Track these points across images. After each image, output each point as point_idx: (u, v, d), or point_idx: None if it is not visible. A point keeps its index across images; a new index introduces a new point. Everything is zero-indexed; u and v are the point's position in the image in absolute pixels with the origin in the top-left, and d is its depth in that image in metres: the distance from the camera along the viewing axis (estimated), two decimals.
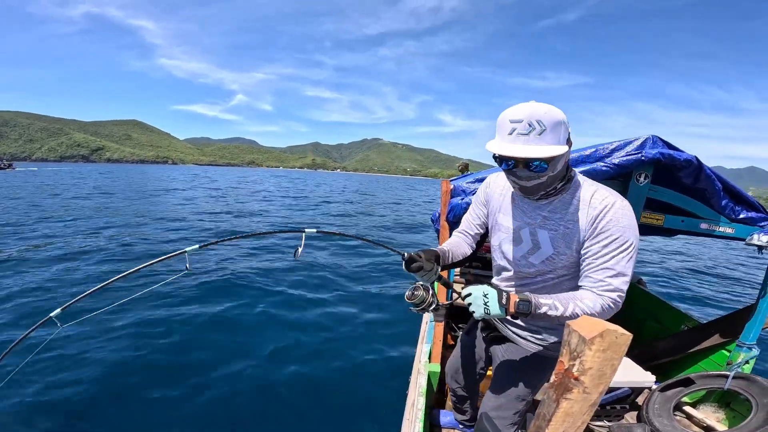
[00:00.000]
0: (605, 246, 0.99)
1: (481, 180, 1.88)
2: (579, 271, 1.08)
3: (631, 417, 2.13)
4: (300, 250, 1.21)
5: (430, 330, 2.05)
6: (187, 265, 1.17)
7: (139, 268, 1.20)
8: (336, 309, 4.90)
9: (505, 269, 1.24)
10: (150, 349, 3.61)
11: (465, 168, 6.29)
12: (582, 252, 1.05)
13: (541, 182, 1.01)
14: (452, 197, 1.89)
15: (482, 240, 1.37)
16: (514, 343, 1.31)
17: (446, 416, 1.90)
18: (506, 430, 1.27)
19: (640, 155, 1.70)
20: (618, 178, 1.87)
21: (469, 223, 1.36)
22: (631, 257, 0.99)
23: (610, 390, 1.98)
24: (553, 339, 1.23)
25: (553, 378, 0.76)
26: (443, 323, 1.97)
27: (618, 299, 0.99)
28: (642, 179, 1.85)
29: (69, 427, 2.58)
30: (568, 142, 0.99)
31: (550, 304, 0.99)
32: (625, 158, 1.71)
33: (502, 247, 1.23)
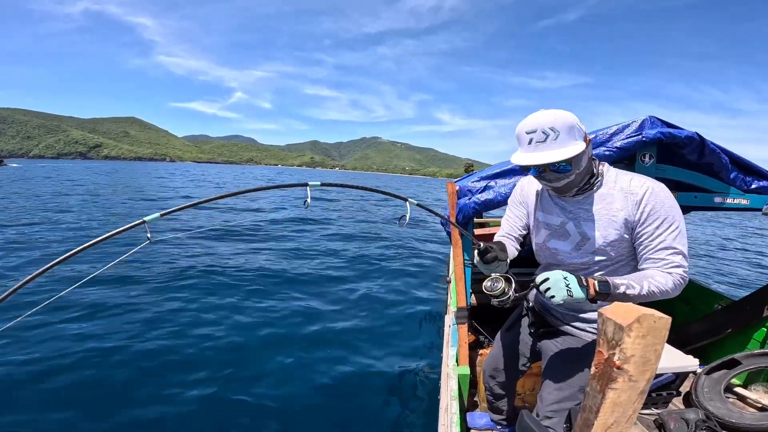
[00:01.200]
0: (657, 227, 1.04)
1: (487, 178, 1.90)
2: (631, 257, 1.13)
3: (678, 403, 2.04)
4: (308, 201, 1.17)
5: (453, 333, 2.02)
6: (148, 236, 1.04)
7: (91, 244, 0.98)
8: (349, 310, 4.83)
9: (555, 265, 1.24)
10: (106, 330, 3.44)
11: (470, 168, 6.37)
12: (636, 237, 1.08)
13: (570, 180, 1.08)
14: (459, 198, 1.90)
15: (525, 241, 1.38)
16: (567, 334, 1.29)
17: (482, 418, 1.86)
18: (558, 425, 1.23)
19: (640, 136, 1.72)
20: (623, 161, 1.87)
21: (511, 225, 1.37)
22: (682, 233, 1.04)
23: (654, 377, 1.92)
24: None
25: (593, 369, 0.75)
26: (466, 325, 1.95)
27: (684, 275, 1.03)
28: (647, 159, 1.85)
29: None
30: (585, 139, 1.05)
31: (626, 283, 1.01)
32: (626, 141, 1.72)
33: (549, 243, 1.25)
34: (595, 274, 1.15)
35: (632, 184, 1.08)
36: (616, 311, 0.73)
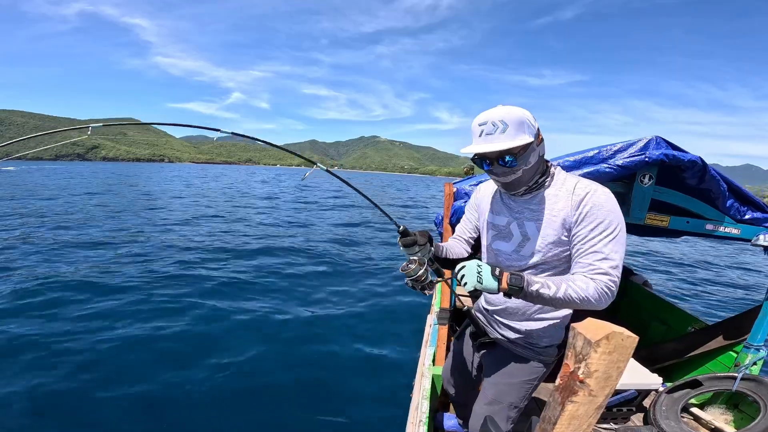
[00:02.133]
0: (591, 230, 1.01)
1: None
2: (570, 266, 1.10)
3: (637, 419, 2.12)
4: (307, 175, 1.39)
5: (434, 333, 2.05)
6: (89, 133, 1.20)
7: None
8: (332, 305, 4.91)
9: (497, 267, 1.26)
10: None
11: (470, 170, 6.29)
12: (571, 239, 1.07)
13: (517, 176, 1.08)
14: (455, 200, 1.89)
15: (477, 244, 1.39)
16: (503, 348, 1.30)
17: (450, 419, 1.90)
18: None
19: (643, 156, 1.70)
20: (622, 179, 1.86)
21: (463, 228, 1.42)
22: (617, 241, 1.00)
23: (617, 392, 1.97)
24: (544, 343, 1.22)
25: (558, 381, 0.77)
26: (447, 326, 1.98)
27: (610, 283, 0.98)
28: (646, 180, 1.84)
29: None
30: (537, 137, 1.06)
31: (543, 282, 0.99)
32: (628, 160, 1.71)
33: (493, 245, 1.26)
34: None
35: (577, 186, 1.07)
36: (587, 326, 0.74)
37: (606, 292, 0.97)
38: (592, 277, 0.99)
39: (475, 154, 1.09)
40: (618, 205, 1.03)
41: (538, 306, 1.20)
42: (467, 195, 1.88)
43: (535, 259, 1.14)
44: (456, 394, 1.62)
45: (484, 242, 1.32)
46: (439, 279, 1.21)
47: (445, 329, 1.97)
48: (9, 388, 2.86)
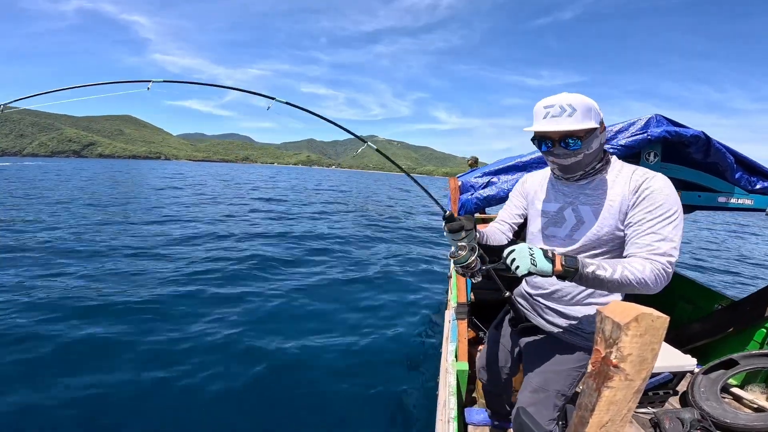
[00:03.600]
0: (650, 212, 1.00)
1: (490, 174, 1.90)
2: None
3: (675, 402, 2.05)
4: (270, 107, 1.34)
5: (453, 328, 2.03)
6: (148, 88, 1.24)
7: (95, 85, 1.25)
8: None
9: (549, 249, 1.24)
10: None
11: (474, 163, 6.29)
12: (627, 223, 1.05)
13: (578, 160, 1.08)
14: (462, 193, 1.89)
15: (520, 230, 1.38)
16: (547, 334, 1.26)
17: (479, 414, 1.87)
18: (546, 425, 1.22)
19: (646, 135, 1.70)
20: (626, 159, 1.86)
21: (509, 213, 1.40)
22: (676, 225, 0.98)
23: (651, 376, 1.92)
24: (591, 329, 1.18)
25: (590, 367, 0.75)
26: (466, 321, 1.95)
27: (668, 265, 0.94)
28: (651, 158, 1.83)
29: None
30: (601, 125, 1.07)
31: (598, 264, 0.96)
32: (631, 139, 1.71)
33: (545, 231, 1.24)
34: None
35: (635, 173, 1.07)
36: (614, 309, 0.72)
37: (662, 274, 0.94)
38: (649, 257, 0.96)
39: (536, 134, 1.10)
40: (676, 192, 1.02)
41: (589, 290, 1.17)
42: (473, 187, 1.88)
43: (589, 243, 1.12)
44: (491, 385, 1.59)
45: (534, 229, 1.29)
46: (491, 265, 1.15)
47: (464, 324, 1.94)
48: None
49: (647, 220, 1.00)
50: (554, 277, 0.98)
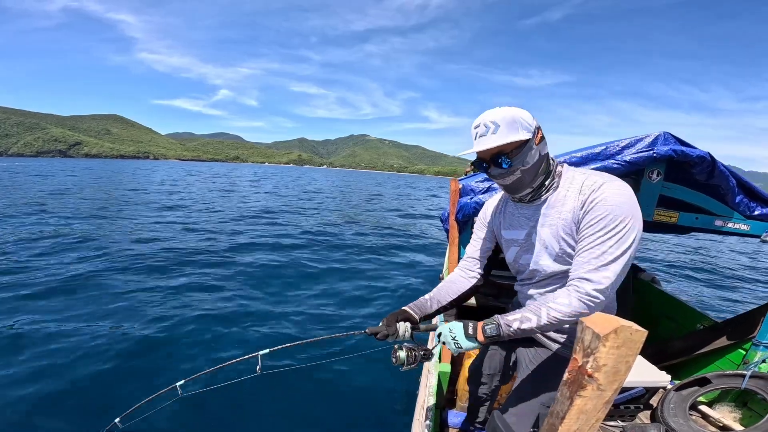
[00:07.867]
0: (591, 226, 0.96)
1: (491, 179, 1.88)
2: None
3: (645, 417, 2.10)
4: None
5: None
6: (258, 368, 1.26)
7: (214, 370, 1.30)
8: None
9: (527, 278, 1.23)
10: None
11: (470, 170, 6.25)
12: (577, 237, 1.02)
13: (517, 177, 1.05)
14: (461, 196, 1.89)
15: (494, 258, 1.35)
16: (541, 345, 1.26)
17: (457, 417, 1.89)
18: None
19: (651, 152, 1.69)
20: (630, 175, 1.85)
21: (476, 247, 1.35)
22: (620, 238, 0.92)
23: (624, 389, 1.97)
24: None
25: (566, 375, 0.77)
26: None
27: (598, 286, 0.92)
28: (654, 176, 1.83)
29: None
30: (536, 135, 1.03)
31: (519, 317, 0.97)
32: (636, 155, 1.70)
33: (519, 260, 1.22)
34: (563, 284, 1.11)
35: (584, 184, 1.01)
36: (596, 320, 0.73)
37: (593, 299, 0.93)
38: (574, 285, 0.95)
39: (476, 158, 1.08)
40: (629, 198, 0.95)
41: None
42: (473, 191, 1.87)
43: (560, 265, 1.08)
44: (479, 390, 1.58)
45: (509, 258, 1.27)
46: (432, 348, 1.19)
47: None
48: None
49: (588, 235, 0.96)
50: (544, 294, 1.03)
